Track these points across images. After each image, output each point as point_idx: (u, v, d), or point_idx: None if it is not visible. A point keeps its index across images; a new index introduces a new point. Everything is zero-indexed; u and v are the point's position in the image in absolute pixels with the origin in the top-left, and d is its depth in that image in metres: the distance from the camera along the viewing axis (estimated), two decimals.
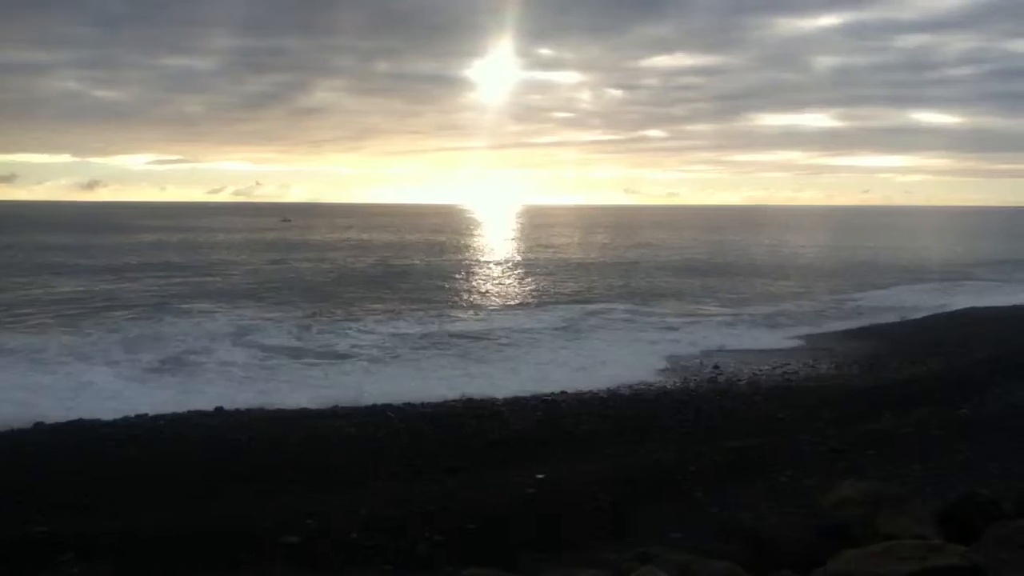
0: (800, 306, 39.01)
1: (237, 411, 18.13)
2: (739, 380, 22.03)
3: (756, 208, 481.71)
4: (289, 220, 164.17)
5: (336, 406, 18.47)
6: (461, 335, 30.29)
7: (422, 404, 18.70)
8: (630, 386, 21.03)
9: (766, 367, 24.08)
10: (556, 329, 31.77)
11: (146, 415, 17.54)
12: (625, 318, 34.94)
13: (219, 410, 18.11)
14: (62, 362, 23.93)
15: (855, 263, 64.96)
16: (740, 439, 14.21)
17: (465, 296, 43.32)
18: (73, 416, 17.17)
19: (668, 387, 20.95)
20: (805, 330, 31.91)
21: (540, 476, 11.85)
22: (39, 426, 16.52)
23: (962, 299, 39.70)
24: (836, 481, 9.60)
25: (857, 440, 13.42)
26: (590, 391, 20.22)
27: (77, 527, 10.28)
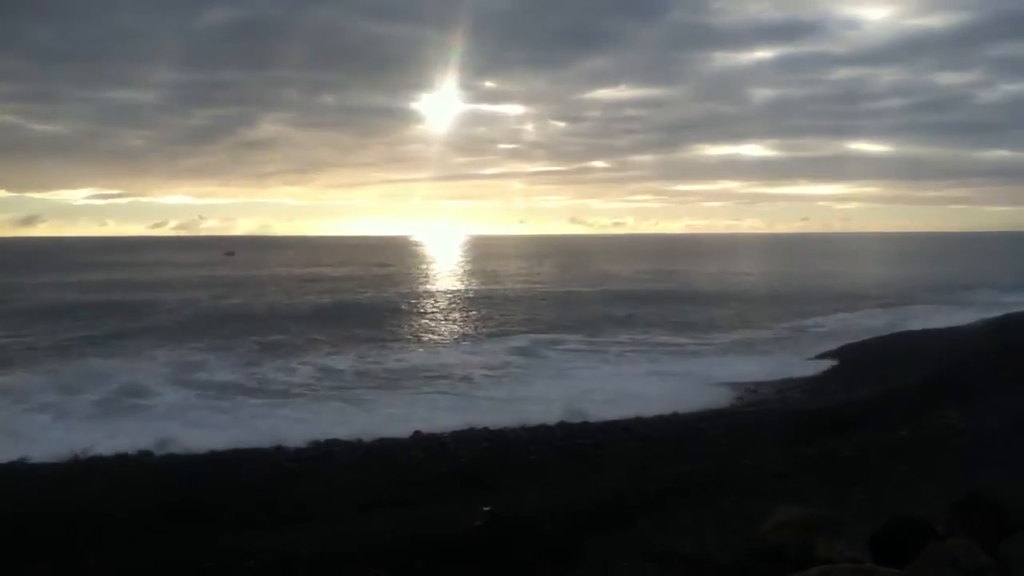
0: (743, 334, 39.66)
1: (180, 450, 17.80)
2: (685, 407, 22.24)
3: (698, 236, 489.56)
4: (233, 253, 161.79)
5: (281, 443, 18.20)
6: (408, 369, 30.15)
7: (369, 439, 18.55)
8: (579, 416, 21.05)
9: (712, 394, 24.38)
10: (505, 361, 31.78)
11: (84, 454, 17.11)
12: (576, 349, 35.08)
13: (160, 449, 17.76)
14: None
15: (796, 290, 66.23)
16: (686, 465, 14.34)
17: (413, 330, 43.15)
18: (8, 459, 16.70)
19: (616, 416, 21.02)
20: (751, 356, 32.43)
21: (487, 508, 11.78)
22: None
23: (899, 323, 40.75)
24: (778, 505, 9.75)
25: (799, 464, 13.61)
26: (539, 422, 20.22)
27: (10, 573, 9.94)
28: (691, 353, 33.80)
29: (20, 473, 15.85)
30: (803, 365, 29.52)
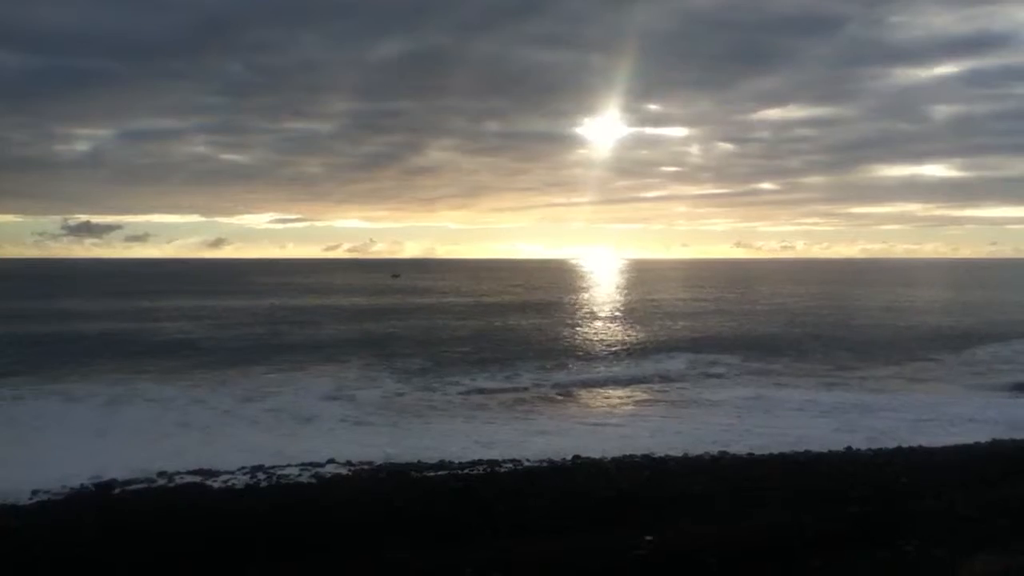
0: (915, 367, 37.14)
1: (344, 465, 18.41)
2: (858, 441, 21.06)
3: (875, 261, 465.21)
4: (399, 275, 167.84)
5: (441, 460, 18.55)
6: (569, 393, 30.10)
7: (530, 461, 18.60)
8: (743, 447, 20.37)
9: (887, 428, 22.99)
10: (667, 388, 31.20)
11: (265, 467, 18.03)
12: (734, 375, 34.06)
13: (330, 461, 18.48)
14: (190, 415, 25.20)
15: (983, 318, 61.69)
16: (861, 504, 13.50)
17: (573, 354, 43.00)
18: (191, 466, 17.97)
19: (784, 449, 20.17)
20: (925, 388, 30.41)
21: (649, 538, 11.50)
22: (161, 476, 17.26)
23: None
24: (969, 553, 8.98)
25: (989, 507, 12.53)
26: (701, 451, 19.71)
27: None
28: (844, 386, 31.80)
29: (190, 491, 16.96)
30: (987, 399, 27.39)
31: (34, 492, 16.11)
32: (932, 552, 9.90)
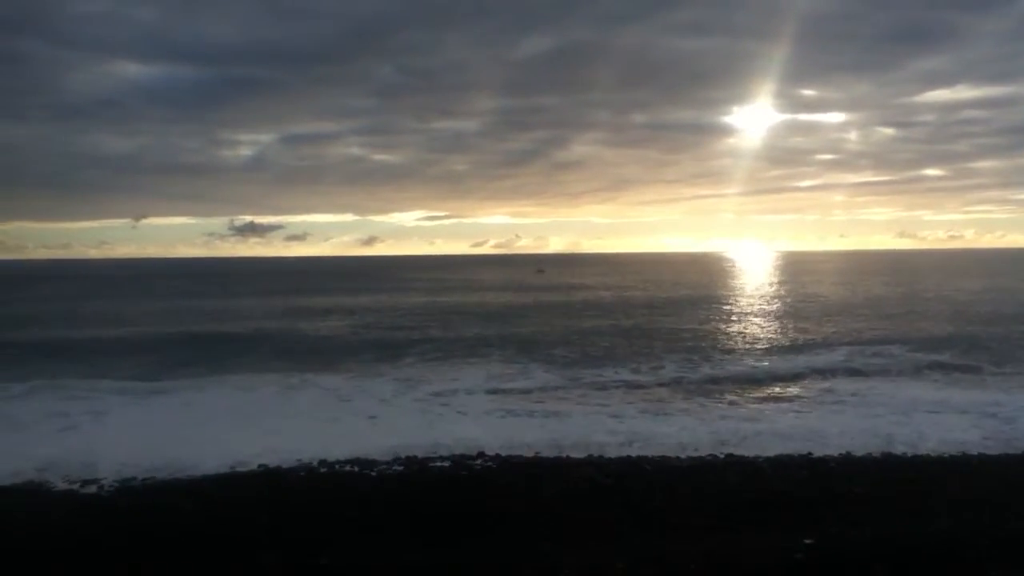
0: None
1: (495, 456, 18.65)
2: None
3: None
4: (543, 271, 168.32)
5: (589, 455, 18.46)
6: (717, 388, 29.29)
7: (680, 458, 18.28)
8: (909, 448, 19.27)
9: None
10: (822, 384, 29.91)
11: (415, 456, 18.55)
12: (898, 372, 32.25)
13: (480, 455, 18.77)
14: (349, 407, 26.25)
15: None
16: None
17: (722, 348, 41.80)
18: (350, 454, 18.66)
19: (952, 451, 18.94)
20: None
21: (808, 541, 11.05)
22: (322, 463, 18.03)
23: None
24: None
25: None
26: (863, 451, 18.80)
27: (341, 560, 10.94)
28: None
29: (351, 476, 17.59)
30: None
31: (205, 476, 17.19)
32: None
